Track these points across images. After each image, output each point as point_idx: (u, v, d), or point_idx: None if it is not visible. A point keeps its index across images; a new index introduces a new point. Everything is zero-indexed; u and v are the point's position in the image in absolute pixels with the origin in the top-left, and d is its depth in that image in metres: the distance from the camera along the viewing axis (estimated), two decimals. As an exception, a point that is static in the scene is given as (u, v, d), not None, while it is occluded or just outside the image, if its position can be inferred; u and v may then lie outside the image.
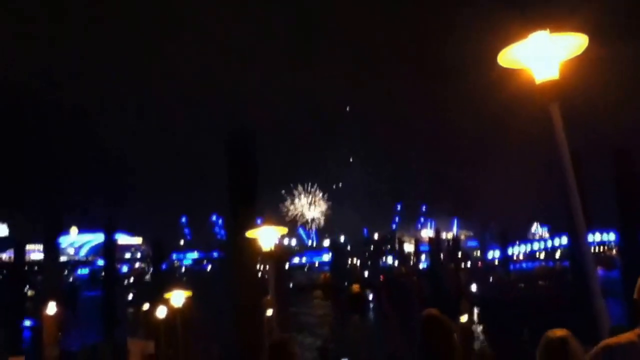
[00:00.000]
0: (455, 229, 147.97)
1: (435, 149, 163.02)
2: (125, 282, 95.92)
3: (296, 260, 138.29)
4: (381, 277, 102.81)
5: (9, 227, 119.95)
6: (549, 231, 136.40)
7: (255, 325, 17.85)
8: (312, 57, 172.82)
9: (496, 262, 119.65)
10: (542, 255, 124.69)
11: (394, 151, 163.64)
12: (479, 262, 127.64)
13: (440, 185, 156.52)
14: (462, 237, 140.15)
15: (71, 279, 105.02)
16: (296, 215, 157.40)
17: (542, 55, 3.43)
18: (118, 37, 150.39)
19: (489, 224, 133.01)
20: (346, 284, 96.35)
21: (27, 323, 40.82)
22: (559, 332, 3.05)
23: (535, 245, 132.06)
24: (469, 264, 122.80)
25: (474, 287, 67.30)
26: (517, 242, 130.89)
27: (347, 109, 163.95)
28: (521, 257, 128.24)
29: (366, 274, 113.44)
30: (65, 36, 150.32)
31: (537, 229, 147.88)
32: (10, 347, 31.17)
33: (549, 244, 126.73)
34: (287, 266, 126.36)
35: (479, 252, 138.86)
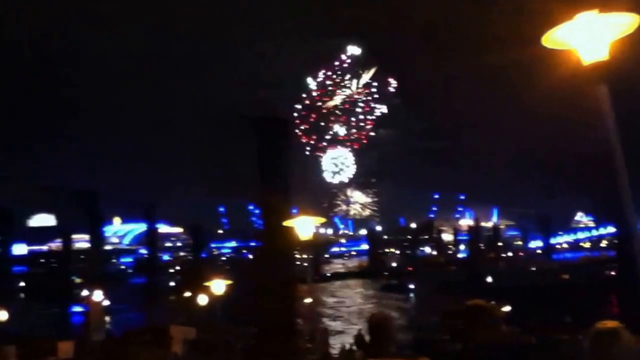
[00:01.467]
0: (495, 217, 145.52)
1: (473, 135, 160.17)
2: (172, 270, 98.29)
3: (335, 248, 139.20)
4: (409, 267, 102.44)
5: (57, 217, 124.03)
6: (594, 220, 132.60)
7: (290, 311, 17.99)
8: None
9: (539, 252, 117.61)
10: (587, 245, 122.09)
11: (432, 140, 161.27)
12: (520, 252, 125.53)
13: (480, 174, 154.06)
14: (503, 226, 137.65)
15: (116, 267, 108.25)
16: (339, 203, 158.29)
17: (590, 36, 3.28)
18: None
19: (531, 213, 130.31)
20: (386, 273, 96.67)
21: (78, 309, 42.26)
22: (610, 324, 2.92)
23: (580, 235, 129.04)
24: (509, 253, 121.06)
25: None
26: (561, 232, 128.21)
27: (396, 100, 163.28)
28: (565, 246, 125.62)
29: (394, 264, 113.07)
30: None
31: (581, 217, 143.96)
32: (59, 332, 32.30)
33: (594, 233, 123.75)
34: (326, 255, 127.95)
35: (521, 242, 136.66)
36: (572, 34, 3.33)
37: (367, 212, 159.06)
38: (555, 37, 3.40)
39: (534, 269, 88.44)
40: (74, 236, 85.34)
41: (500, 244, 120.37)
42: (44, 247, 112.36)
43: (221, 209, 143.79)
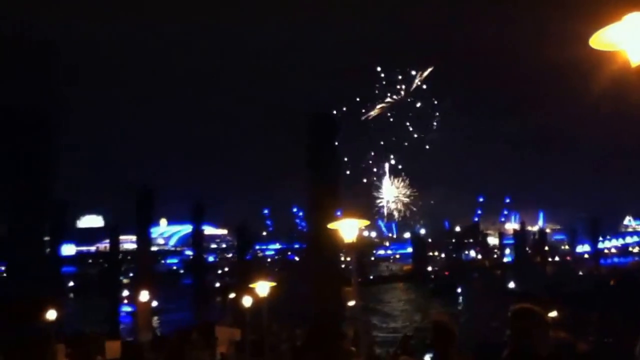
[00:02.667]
0: (541, 221, 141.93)
1: (520, 137, 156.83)
2: (219, 271, 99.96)
3: (381, 251, 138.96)
4: (446, 272, 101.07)
5: (105, 219, 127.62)
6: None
7: (336, 313, 18.05)
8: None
9: (586, 256, 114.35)
10: (636, 250, 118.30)
11: (476, 141, 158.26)
12: (568, 256, 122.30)
13: (525, 177, 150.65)
14: (549, 230, 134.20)
15: (166, 267, 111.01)
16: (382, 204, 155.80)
17: (639, 37, 3.25)
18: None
19: (579, 216, 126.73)
20: (432, 276, 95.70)
21: (127, 309, 43.33)
22: None
23: (629, 239, 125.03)
24: (556, 257, 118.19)
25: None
26: (609, 236, 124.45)
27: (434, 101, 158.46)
28: (613, 251, 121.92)
29: (429, 267, 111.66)
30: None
31: (629, 222, 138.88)
32: (108, 332, 33.25)
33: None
34: (372, 257, 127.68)
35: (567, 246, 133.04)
36: (620, 35, 3.29)
37: (416, 217, 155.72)
38: (603, 39, 3.37)
39: (581, 273, 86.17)
40: (121, 237, 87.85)
41: (546, 248, 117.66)
42: (92, 248, 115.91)
43: (265, 211, 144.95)
